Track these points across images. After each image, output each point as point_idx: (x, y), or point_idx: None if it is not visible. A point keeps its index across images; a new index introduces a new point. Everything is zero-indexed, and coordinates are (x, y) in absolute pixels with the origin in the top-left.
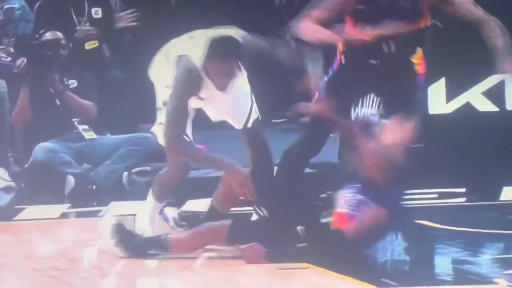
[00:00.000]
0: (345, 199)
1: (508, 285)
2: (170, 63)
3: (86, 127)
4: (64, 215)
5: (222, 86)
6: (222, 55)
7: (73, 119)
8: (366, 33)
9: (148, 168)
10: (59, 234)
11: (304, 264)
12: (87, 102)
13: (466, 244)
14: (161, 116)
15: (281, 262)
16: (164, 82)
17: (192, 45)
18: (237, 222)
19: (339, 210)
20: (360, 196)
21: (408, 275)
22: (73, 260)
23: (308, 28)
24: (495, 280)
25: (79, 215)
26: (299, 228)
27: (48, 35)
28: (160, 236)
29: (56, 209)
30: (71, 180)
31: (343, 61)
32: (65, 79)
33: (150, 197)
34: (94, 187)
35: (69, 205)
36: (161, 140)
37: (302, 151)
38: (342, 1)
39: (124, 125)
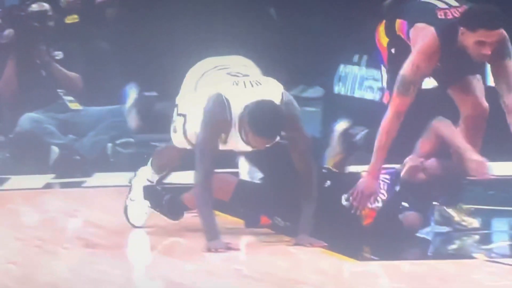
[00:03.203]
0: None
1: (486, 260)
2: (203, 89)
3: (71, 98)
4: (48, 185)
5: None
6: (267, 136)
7: (59, 90)
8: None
9: (132, 140)
10: (43, 204)
11: (286, 238)
12: (72, 74)
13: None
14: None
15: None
16: (190, 95)
17: (236, 93)
18: (243, 182)
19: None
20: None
21: (389, 250)
22: (57, 230)
23: (384, 128)
24: (474, 255)
25: (63, 185)
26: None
27: (35, 6)
28: (178, 196)
29: (41, 179)
30: (55, 150)
31: (393, 51)
32: (51, 50)
33: (149, 167)
34: (78, 157)
35: (53, 175)
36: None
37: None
38: (424, 71)
39: (109, 96)
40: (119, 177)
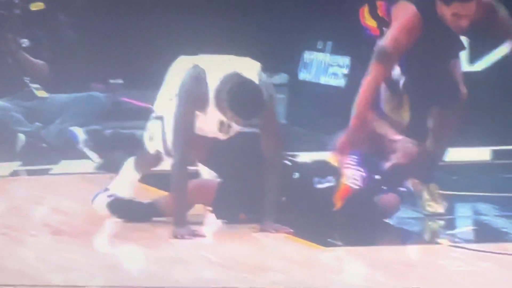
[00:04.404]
0: (352, 172)
1: (451, 245)
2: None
3: (37, 86)
4: (15, 173)
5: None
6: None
7: (25, 78)
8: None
9: (97, 127)
10: (9, 191)
11: (252, 225)
12: (38, 61)
13: (410, 204)
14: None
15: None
16: (165, 94)
17: (213, 63)
18: (224, 183)
19: (347, 183)
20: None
21: (355, 236)
22: (23, 217)
23: (362, 94)
24: (439, 240)
25: (30, 173)
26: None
27: None
28: (153, 201)
29: (7, 167)
30: (22, 138)
31: (384, 29)
32: (17, 38)
33: (131, 166)
34: (45, 145)
35: (20, 163)
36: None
37: None
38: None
39: (76, 84)
40: (86, 164)
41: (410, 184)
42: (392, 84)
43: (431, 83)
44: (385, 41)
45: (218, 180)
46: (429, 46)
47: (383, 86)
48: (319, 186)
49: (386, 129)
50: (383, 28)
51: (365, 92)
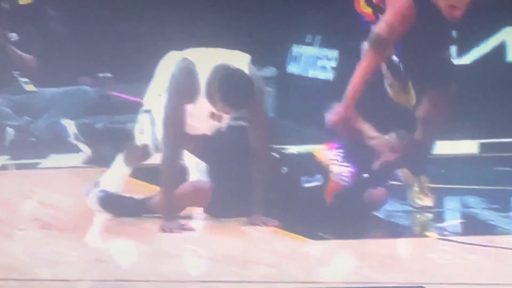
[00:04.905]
0: (340, 169)
1: (439, 238)
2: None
3: (26, 80)
4: (3, 167)
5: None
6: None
7: (14, 72)
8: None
9: (87, 121)
10: None
11: (242, 218)
12: (27, 56)
13: (399, 197)
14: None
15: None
16: (153, 88)
17: (202, 54)
18: (216, 185)
19: (336, 180)
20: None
21: (342, 229)
22: (12, 211)
23: (355, 79)
24: (427, 233)
25: (19, 167)
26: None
27: None
28: (145, 199)
29: None
30: (10, 132)
31: (380, 16)
32: (5, 33)
33: (121, 161)
34: (33, 139)
35: (8, 157)
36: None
37: None
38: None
39: (65, 78)
40: (75, 158)
41: (402, 175)
42: (394, 69)
43: (424, 70)
44: (379, 27)
45: (211, 181)
46: (422, 34)
47: (385, 71)
48: (307, 185)
49: (364, 125)
50: (378, 15)
51: (359, 77)
